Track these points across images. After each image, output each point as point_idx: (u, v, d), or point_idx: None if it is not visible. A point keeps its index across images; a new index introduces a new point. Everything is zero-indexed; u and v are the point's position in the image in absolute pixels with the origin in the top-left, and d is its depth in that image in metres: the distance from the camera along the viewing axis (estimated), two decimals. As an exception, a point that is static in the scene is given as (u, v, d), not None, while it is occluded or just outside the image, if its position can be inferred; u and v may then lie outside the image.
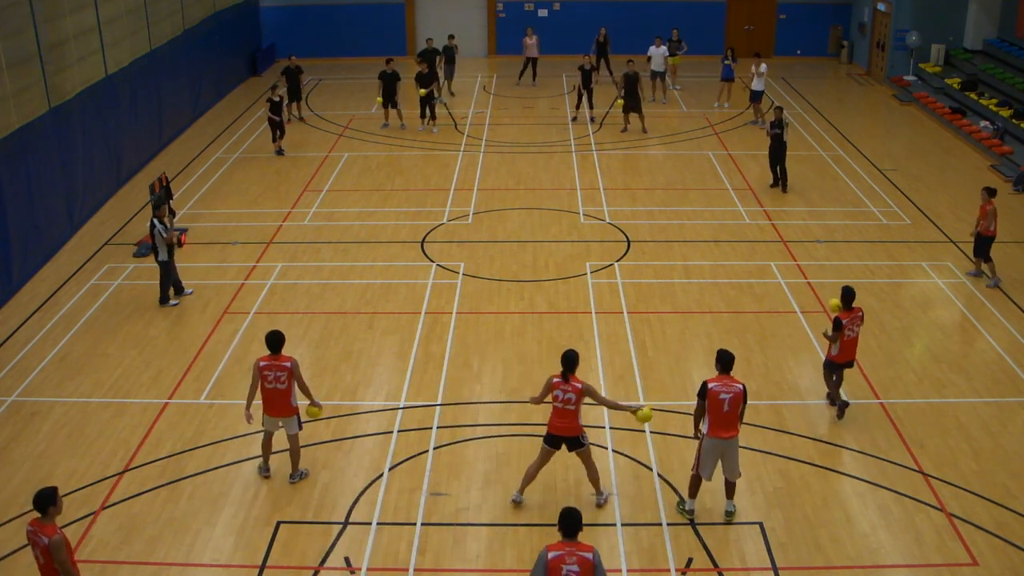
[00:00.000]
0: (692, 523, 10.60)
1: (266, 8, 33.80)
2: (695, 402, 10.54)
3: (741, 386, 10.32)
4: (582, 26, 32.34)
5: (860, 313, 12.39)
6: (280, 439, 11.51)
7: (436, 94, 28.09)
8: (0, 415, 12.84)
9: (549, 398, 10.50)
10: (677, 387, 13.31)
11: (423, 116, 25.16)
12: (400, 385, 13.43)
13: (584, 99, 26.14)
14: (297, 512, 10.88)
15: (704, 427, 10.42)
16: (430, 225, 19.05)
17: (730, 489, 10.72)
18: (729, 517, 10.72)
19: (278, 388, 10.93)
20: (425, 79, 24.60)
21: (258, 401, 11.22)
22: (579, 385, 10.33)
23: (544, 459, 10.73)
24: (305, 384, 11.08)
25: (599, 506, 10.85)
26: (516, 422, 12.49)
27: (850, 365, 12.65)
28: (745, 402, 10.38)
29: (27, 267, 16.81)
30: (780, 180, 20.90)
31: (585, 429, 10.59)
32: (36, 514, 8.52)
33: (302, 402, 11.16)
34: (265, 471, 11.45)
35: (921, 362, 14.03)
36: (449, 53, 28.86)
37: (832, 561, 10.09)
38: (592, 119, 26.21)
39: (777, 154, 20.76)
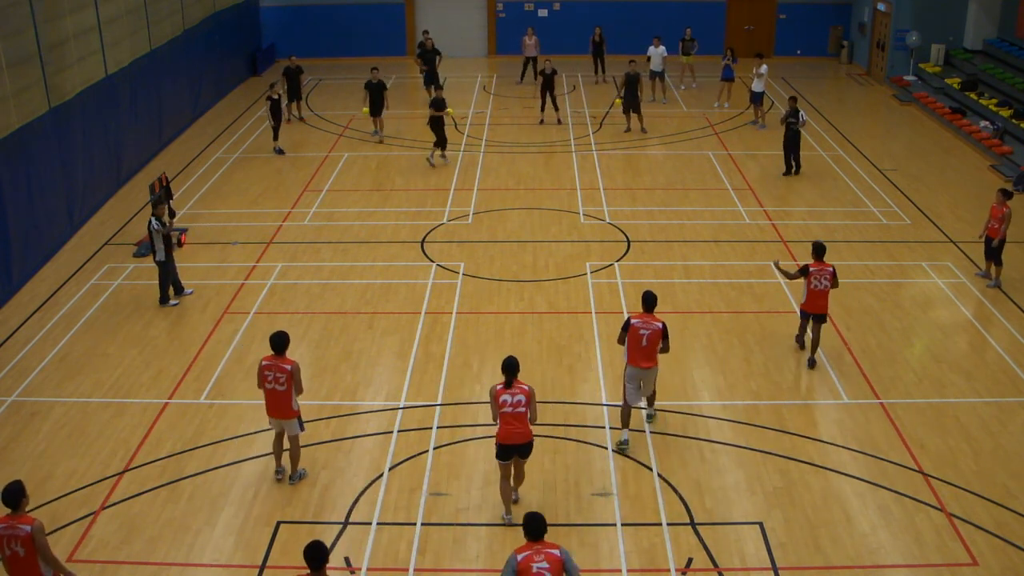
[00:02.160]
0: (692, 523, 10.61)
1: (266, 8, 33.80)
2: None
3: (661, 324, 11.61)
4: (582, 26, 32.34)
5: (830, 268, 13.45)
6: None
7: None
8: (0, 415, 12.85)
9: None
10: (677, 387, 13.30)
11: (438, 145, 22.53)
12: (400, 385, 13.44)
13: (549, 101, 25.94)
14: (297, 512, 10.88)
15: (625, 356, 11.76)
16: (430, 225, 19.05)
17: (650, 400, 12.28)
18: (650, 420, 12.30)
19: (277, 389, 10.87)
20: (442, 103, 22.23)
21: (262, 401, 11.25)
22: (526, 387, 10.31)
23: (507, 473, 10.56)
24: (302, 390, 11.05)
25: (514, 502, 10.77)
26: (516, 422, 12.47)
27: (820, 318, 13.66)
28: (665, 338, 11.61)
29: (27, 267, 16.81)
30: (794, 167, 21.74)
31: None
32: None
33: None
34: (278, 473, 11.35)
35: (921, 362, 14.03)
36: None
37: (832, 561, 10.09)
38: (559, 121, 26.19)
39: (790, 143, 21.54)
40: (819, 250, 13.57)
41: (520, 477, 10.82)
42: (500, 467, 10.58)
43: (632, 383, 11.73)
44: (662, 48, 27.93)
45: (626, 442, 11.81)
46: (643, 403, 12.26)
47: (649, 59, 28.16)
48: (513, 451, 10.41)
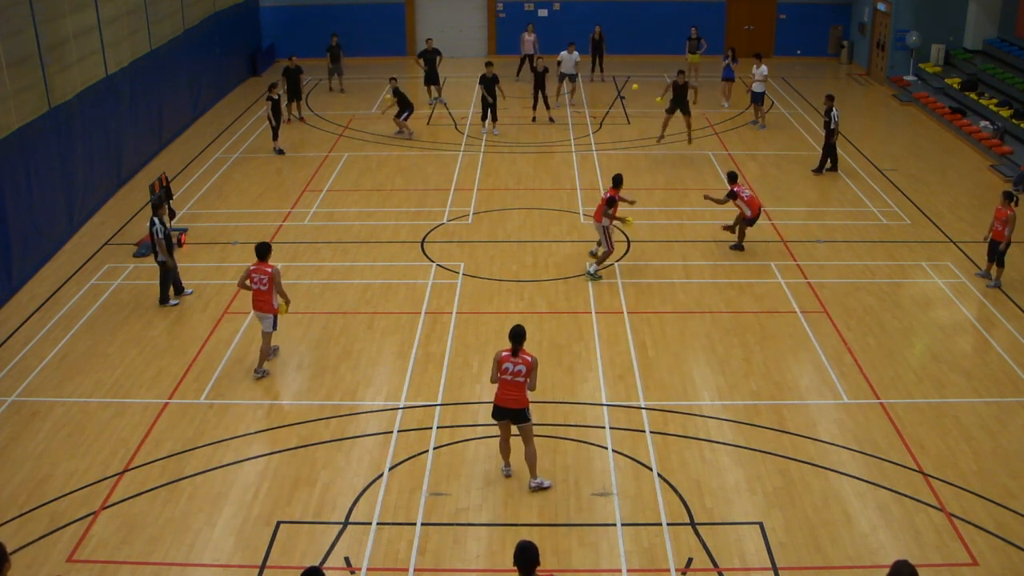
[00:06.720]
0: (692, 523, 10.61)
1: (266, 8, 33.79)
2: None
3: (608, 195, 16.21)
4: (582, 26, 32.33)
5: (745, 193, 17.33)
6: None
7: (437, 94, 28.12)
8: (0, 415, 12.85)
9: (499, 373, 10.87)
10: (677, 387, 13.31)
11: (487, 118, 24.91)
12: (400, 385, 13.44)
13: (541, 100, 25.88)
14: (297, 512, 10.88)
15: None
16: (430, 225, 19.05)
17: (600, 260, 16.71)
18: (591, 276, 16.40)
19: (260, 289, 13.36)
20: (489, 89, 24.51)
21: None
22: (529, 359, 10.74)
23: (505, 433, 11.18)
24: (283, 290, 13.51)
25: (532, 490, 11.08)
26: (516, 422, 12.48)
27: (751, 222, 17.47)
28: (608, 205, 16.03)
29: (27, 267, 16.81)
30: (822, 162, 22.15)
31: (531, 404, 11.04)
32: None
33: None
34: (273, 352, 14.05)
35: (921, 362, 14.03)
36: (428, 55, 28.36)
37: (832, 561, 10.09)
38: (551, 119, 26.17)
39: (826, 138, 22.03)
40: (731, 176, 17.82)
41: (530, 453, 11.02)
42: (499, 426, 11.20)
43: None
44: (576, 54, 27.83)
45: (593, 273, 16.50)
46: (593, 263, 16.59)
47: (560, 63, 27.91)
48: (506, 414, 10.94)
